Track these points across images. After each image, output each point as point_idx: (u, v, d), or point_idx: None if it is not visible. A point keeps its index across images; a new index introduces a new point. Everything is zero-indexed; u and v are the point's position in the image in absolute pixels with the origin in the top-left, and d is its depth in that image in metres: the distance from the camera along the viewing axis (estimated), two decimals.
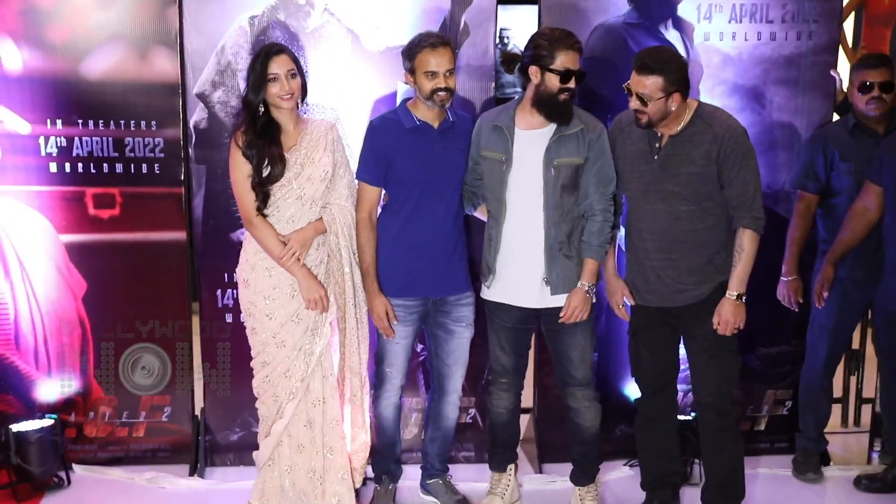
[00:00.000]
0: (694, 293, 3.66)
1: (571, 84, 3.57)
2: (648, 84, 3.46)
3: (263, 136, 3.59)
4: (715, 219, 3.63)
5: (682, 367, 3.91)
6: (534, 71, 3.60)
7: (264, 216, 3.63)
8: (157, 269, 4.29)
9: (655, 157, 3.61)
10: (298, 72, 3.61)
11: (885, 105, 4.06)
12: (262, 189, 3.59)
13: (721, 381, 3.71)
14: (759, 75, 4.34)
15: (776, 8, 4.29)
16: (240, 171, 3.61)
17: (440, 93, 3.62)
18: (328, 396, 3.76)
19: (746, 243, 3.59)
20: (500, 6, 4.23)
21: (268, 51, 3.59)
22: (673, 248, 3.63)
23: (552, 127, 3.65)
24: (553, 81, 3.57)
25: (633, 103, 3.52)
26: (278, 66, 3.56)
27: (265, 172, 3.59)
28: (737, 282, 3.61)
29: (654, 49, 3.67)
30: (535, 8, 4.27)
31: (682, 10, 4.27)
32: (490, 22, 4.20)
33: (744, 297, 3.62)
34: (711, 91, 4.32)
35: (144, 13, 4.11)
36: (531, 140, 3.66)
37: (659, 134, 3.61)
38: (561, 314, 3.72)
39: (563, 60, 3.54)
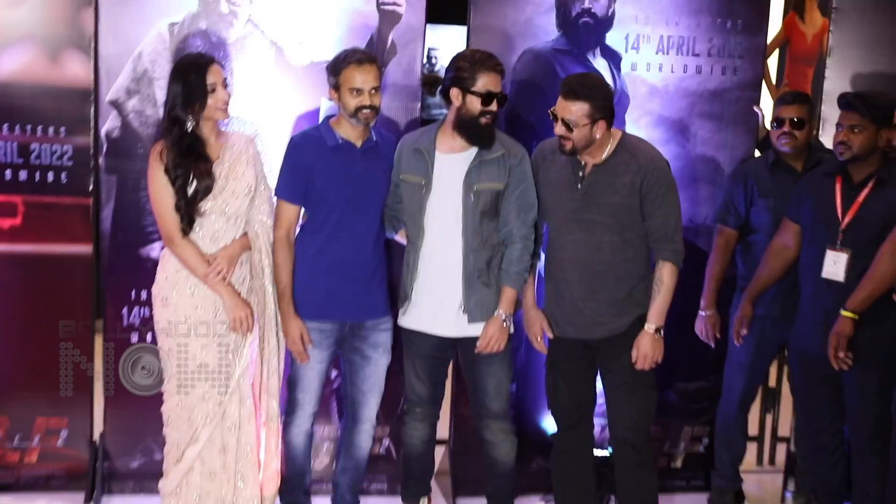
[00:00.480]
0: (612, 326, 3.66)
1: (493, 107, 3.57)
2: (574, 110, 3.48)
3: (190, 153, 3.51)
4: (635, 251, 3.64)
5: (598, 400, 3.90)
6: (455, 93, 3.59)
7: (187, 235, 3.56)
8: (60, 284, 4.15)
9: (579, 185, 3.61)
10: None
11: (796, 141, 4.10)
12: (189, 210, 3.51)
13: (638, 416, 3.71)
14: (684, 108, 4.38)
15: (703, 42, 4.33)
16: (161, 189, 3.53)
17: (365, 110, 3.59)
18: (244, 421, 3.68)
19: (666, 276, 3.61)
20: (428, 25, 4.21)
21: (200, 62, 3.53)
22: (593, 279, 3.64)
23: (473, 151, 3.64)
24: (474, 104, 3.56)
25: (559, 129, 3.53)
26: (215, 76, 3.52)
27: (191, 190, 3.51)
28: (655, 315, 3.62)
29: (582, 76, 3.70)
30: (464, 28, 4.27)
31: (611, 39, 4.30)
32: (418, 41, 4.18)
33: (662, 331, 3.64)
34: (637, 122, 4.34)
35: (57, 14, 3.99)
36: (451, 164, 3.64)
37: (583, 162, 3.62)
38: (477, 344, 3.69)
39: (485, 82, 3.54)
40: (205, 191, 3.53)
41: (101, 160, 4.10)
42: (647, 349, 3.62)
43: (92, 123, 4.08)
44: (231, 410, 3.66)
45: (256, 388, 3.72)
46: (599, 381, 3.84)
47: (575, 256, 3.64)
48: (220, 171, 3.58)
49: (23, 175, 4.07)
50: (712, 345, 4.27)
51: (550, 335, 3.76)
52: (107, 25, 4.01)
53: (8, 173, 4.07)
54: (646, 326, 3.62)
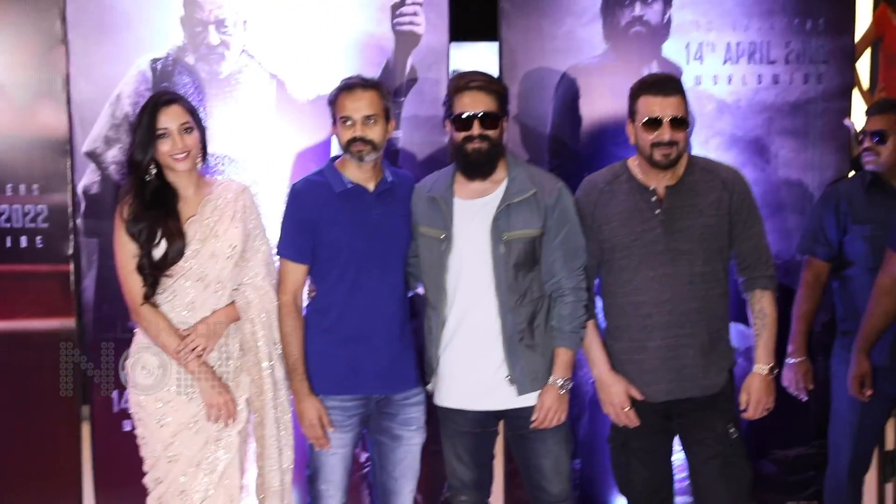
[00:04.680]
0: (706, 382, 3.52)
1: (474, 130, 3.42)
2: (679, 105, 3.43)
3: (155, 206, 3.38)
4: (723, 286, 3.54)
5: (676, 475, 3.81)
6: (447, 126, 3.52)
7: (154, 305, 3.41)
8: (39, 367, 4.06)
9: (657, 211, 3.49)
10: (196, 125, 3.42)
11: (878, 159, 3.97)
12: (154, 271, 3.37)
13: (738, 494, 3.57)
14: (761, 125, 4.25)
15: (778, 47, 4.22)
16: (125, 250, 3.39)
17: (356, 143, 3.46)
18: None
19: (768, 307, 3.55)
20: (454, 44, 4.14)
21: (156, 101, 3.40)
22: (686, 321, 3.50)
23: (498, 193, 3.49)
24: (453, 131, 3.48)
25: (667, 133, 3.41)
26: (169, 118, 3.36)
27: (157, 253, 3.36)
28: (766, 352, 3.54)
29: (656, 74, 3.81)
30: (495, 45, 4.18)
31: (668, 50, 4.20)
32: (441, 64, 4.10)
33: (776, 371, 3.58)
34: (705, 144, 4.23)
35: (24, 57, 3.97)
36: (473, 212, 3.49)
37: (651, 187, 3.50)
38: (532, 418, 3.49)
39: (460, 104, 3.44)
40: (175, 255, 3.38)
41: (79, 221, 4.05)
42: (760, 394, 3.54)
43: (68, 179, 4.03)
44: None
45: (260, 487, 3.56)
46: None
47: (661, 296, 3.49)
48: (195, 231, 3.42)
49: None
50: (803, 397, 4.13)
51: (640, 396, 3.56)
52: (79, 66, 3.97)
53: None
54: (756, 368, 3.55)
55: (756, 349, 3.55)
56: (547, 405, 3.49)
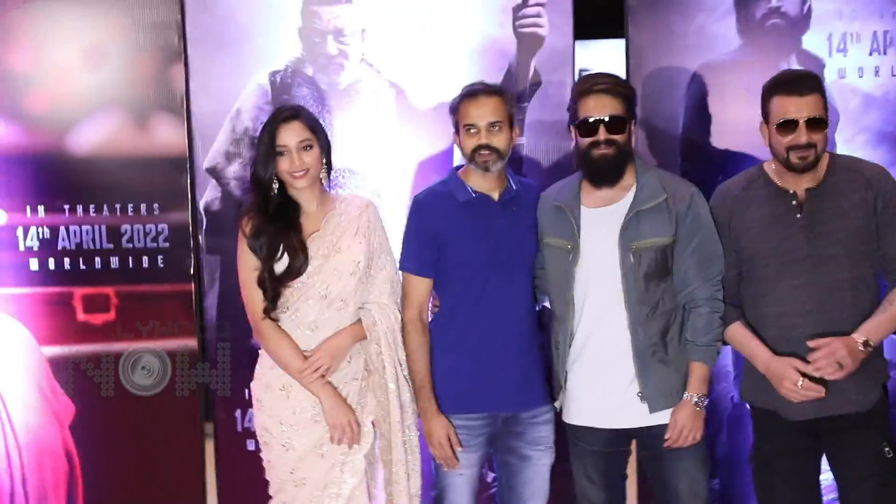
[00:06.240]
0: (859, 398, 3.38)
1: (600, 135, 3.37)
2: (818, 104, 3.32)
3: (278, 220, 3.40)
4: (873, 294, 3.39)
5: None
6: (572, 131, 3.46)
7: (274, 321, 3.41)
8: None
9: (798, 215, 3.38)
10: (318, 141, 3.43)
11: None
12: (274, 285, 3.38)
13: None
14: None
15: None
16: (247, 265, 3.42)
17: (482, 152, 3.42)
18: None
19: None
20: (579, 42, 4.08)
21: (276, 117, 3.43)
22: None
23: (626, 201, 3.42)
24: (578, 138, 3.42)
25: (802, 136, 3.30)
26: (288, 135, 3.38)
27: (279, 267, 3.38)
28: (869, 326, 3.33)
29: (792, 70, 3.64)
30: (622, 42, 4.11)
31: (809, 42, 4.05)
32: (566, 66, 4.04)
33: (870, 346, 3.34)
34: (851, 141, 4.05)
35: (143, 73, 4.01)
36: (601, 221, 3.43)
37: (791, 190, 3.40)
38: (666, 436, 3.40)
39: (585, 108, 3.38)
40: (297, 269, 3.39)
41: (200, 238, 4.10)
42: (842, 350, 3.30)
43: (189, 196, 4.07)
44: None
45: None
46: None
47: (805, 306, 3.38)
48: (318, 247, 3.43)
49: (114, 262, 4.08)
50: None
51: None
52: (199, 82, 4.02)
53: (97, 261, 4.07)
54: (854, 335, 3.33)
55: (864, 322, 3.34)
56: (681, 423, 3.41)
